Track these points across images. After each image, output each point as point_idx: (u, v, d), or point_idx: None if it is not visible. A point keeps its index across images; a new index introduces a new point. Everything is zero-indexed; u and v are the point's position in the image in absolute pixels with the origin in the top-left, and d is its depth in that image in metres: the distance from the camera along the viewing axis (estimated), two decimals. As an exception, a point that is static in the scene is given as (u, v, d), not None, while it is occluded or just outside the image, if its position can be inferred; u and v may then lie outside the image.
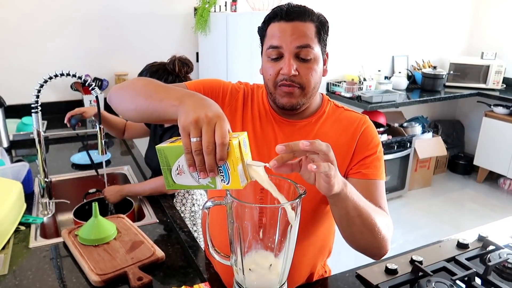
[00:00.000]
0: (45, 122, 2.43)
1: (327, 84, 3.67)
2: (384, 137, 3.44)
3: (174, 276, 1.06)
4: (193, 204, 1.72)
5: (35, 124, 1.36)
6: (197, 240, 1.66)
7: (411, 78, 3.99)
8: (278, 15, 0.96)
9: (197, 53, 3.07)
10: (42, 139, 1.39)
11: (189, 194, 1.71)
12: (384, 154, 3.57)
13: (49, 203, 1.44)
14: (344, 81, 3.61)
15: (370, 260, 1.05)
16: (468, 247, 1.16)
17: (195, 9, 2.90)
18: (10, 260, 1.10)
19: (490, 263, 1.02)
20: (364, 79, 3.61)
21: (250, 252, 0.77)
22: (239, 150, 0.66)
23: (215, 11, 2.82)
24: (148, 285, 0.99)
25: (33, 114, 1.35)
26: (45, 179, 1.42)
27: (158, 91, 0.81)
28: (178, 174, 0.71)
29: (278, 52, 0.96)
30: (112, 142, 2.24)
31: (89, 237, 1.13)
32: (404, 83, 3.83)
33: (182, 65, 1.59)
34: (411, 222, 3.33)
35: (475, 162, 4.02)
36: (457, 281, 0.97)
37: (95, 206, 1.17)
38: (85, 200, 1.57)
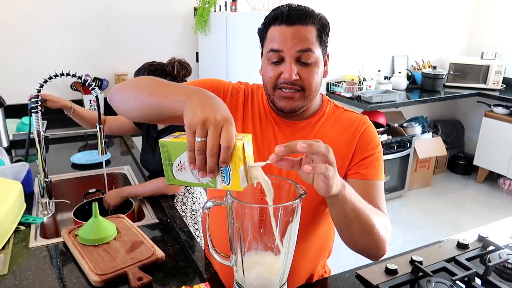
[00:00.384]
0: (45, 122, 2.43)
1: (327, 84, 3.67)
2: (384, 137, 3.44)
3: (174, 276, 1.06)
4: (194, 203, 1.72)
5: (35, 123, 1.36)
6: (198, 240, 1.67)
7: (411, 78, 3.99)
8: (278, 18, 0.94)
9: (197, 53, 3.07)
10: (42, 139, 1.39)
11: (189, 193, 1.71)
12: (384, 154, 3.57)
13: (49, 203, 1.44)
14: (344, 81, 3.61)
15: (370, 260, 1.05)
16: (468, 247, 1.16)
17: (195, 9, 2.90)
18: (10, 260, 1.10)
19: (490, 264, 1.02)
20: (364, 79, 3.61)
21: (250, 252, 0.77)
22: (243, 152, 0.66)
23: (215, 11, 2.83)
24: (148, 285, 0.99)
25: (33, 114, 1.35)
26: (45, 179, 1.42)
27: (163, 88, 0.80)
28: (179, 170, 0.71)
29: (279, 56, 0.95)
30: (112, 142, 2.24)
31: (89, 237, 1.13)
32: (404, 83, 3.83)
33: (181, 68, 1.58)
34: (411, 222, 3.33)
35: (475, 162, 4.02)
36: (457, 282, 0.97)
37: (95, 206, 1.17)
38: (85, 200, 1.57)
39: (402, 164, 3.59)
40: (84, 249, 1.11)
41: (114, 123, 1.79)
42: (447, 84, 3.99)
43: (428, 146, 3.78)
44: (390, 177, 3.57)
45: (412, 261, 1.07)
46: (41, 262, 1.10)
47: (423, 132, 3.83)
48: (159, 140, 0.71)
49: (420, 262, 1.05)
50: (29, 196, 1.47)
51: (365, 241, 0.90)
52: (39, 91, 1.33)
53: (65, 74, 1.31)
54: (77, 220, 1.39)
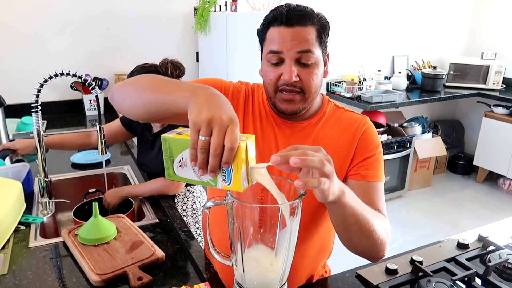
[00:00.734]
0: (45, 121, 2.43)
1: (327, 84, 3.68)
2: (384, 137, 3.44)
3: (174, 276, 1.06)
4: (194, 202, 1.72)
5: (35, 123, 1.36)
6: (199, 239, 1.67)
7: (411, 78, 3.99)
8: (278, 19, 0.94)
9: (197, 53, 3.07)
10: (42, 139, 1.39)
11: (190, 193, 1.71)
12: (384, 154, 3.56)
13: (49, 202, 1.44)
14: (344, 81, 3.61)
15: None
16: (468, 247, 1.16)
17: (195, 9, 2.90)
18: (10, 260, 1.10)
19: (490, 264, 1.02)
20: (364, 79, 3.61)
21: (250, 251, 0.77)
22: (246, 153, 0.66)
23: (215, 11, 2.82)
24: (148, 285, 0.99)
25: (33, 114, 1.35)
26: (45, 179, 1.42)
27: (167, 85, 0.79)
28: (180, 166, 0.71)
29: (279, 57, 0.95)
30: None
31: (89, 236, 1.13)
32: (404, 83, 3.83)
33: (174, 69, 1.57)
34: (410, 222, 3.33)
35: (475, 162, 4.02)
36: (457, 282, 0.97)
37: (95, 206, 1.17)
38: (85, 200, 1.56)
39: (402, 164, 3.59)
40: (84, 249, 1.11)
41: (105, 134, 1.76)
42: (447, 84, 3.99)
43: (428, 146, 3.78)
44: (390, 177, 3.57)
45: (412, 261, 1.07)
46: (41, 261, 1.10)
47: (423, 132, 3.83)
48: (162, 135, 0.71)
49: (420, 262, 1.05)
50: (29, 196, 1.47)
51: (364, 244, 0.90)
52: (39, 90, 1.33)
53: (65, 74, 1.31)
54: (77, 220, 1.39)
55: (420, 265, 1.03)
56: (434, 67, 3.92)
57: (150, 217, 1.39)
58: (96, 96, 1.40)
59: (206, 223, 0.81)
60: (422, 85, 3.90)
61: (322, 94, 1.11)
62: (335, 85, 3.63)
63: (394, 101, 3.39)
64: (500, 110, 3.73)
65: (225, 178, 0.67)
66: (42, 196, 1.43)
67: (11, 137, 2.12)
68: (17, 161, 1.65)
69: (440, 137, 3.96)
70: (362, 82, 3.57)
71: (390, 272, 1.03)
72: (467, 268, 1.05)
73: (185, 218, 1.68)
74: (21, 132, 2.19)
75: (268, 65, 0.98)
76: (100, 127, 1.40)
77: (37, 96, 1.32)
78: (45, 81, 1.31)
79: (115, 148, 2.16)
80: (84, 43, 2.70)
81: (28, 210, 1.39)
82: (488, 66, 3.87)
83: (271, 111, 1.06)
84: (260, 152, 1.03)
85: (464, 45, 4.41)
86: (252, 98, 1.09)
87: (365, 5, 3.64)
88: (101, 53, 2.78)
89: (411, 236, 3.12)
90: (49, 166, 1.47)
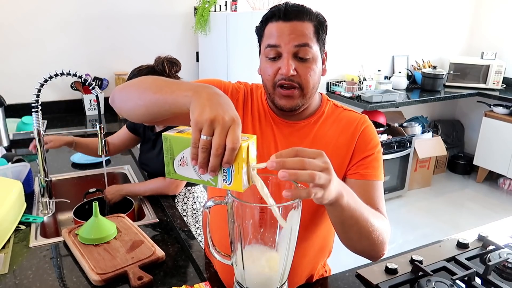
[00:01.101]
0: (45, 121, 2.43)
1: (327, 83, 3.68)
2: (384, 137, 3.44)
3: (174, 275, 1.06)
4: (195, 202, 1.72)
5: (35, 123, 1.36)
6: (199, 239, 1.67)
7: (411, 78, 3.99)
8: (276, 14, 0.95)
9: (197, 53, 3.07)
10: (42, 139, 1.39)
11: (190, 193, 1.71)
12: (384, 154, 3.56)
13: (49, 202, 1.44)
14: (344, 81, 3.61)
15: (370, 260, 1.05)
16: (468, 247, 1.16)
17: (195, 9, 2.90)
18: (10, 259, 1.10)
19: (490, 263, 1.02)
20: (364, 79, 3.61)
21: (250, 251, 0.77)
22: (247, 153, 0.66)
23: (215, 11, 2.83)
24: (149, 285, 1.00)
25: (33, 114, 1.35)
26: (45, 179, 1.42)
27: (169, 85, 0.79)
28: (180, 165, 0.71)
29: (276, 51, 0.95)
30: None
31: (89, 236, 1.13)
32: (404, 83, 3.83)
33: (171, 65, 1.55)
34: (410, 222, 3.34)
35: (475, 162, 4.02)
36: (457, 281, 0.97)
37: (95, 205, 1.17)
38: (85, 200, 1.56)
39: (402, 164, 3.59)
40: (85, 249, 1.11)
41: (115, 139, 1.75)
42: (447, 84, 3.99)
43: (428, 146, 3.78)
44: (390, 177, 3.57)
45: (412, 261, 1.07)
46: (42, 261, 1.10)
47: (423, 132, 3.83)
48: (163, 133, 0.71)
49: (420, 262, 1.05)
50: (29, 196, 1.48)
51: (363, 244, 0.91)
52: (39, 90, 1.33)
53: (65, 74, 1.31)
54: (78, 220, 1.39)
55: (420, 265, 1.03)
56: (434, 67, 3.92)
57: (150, 217, 1.39)
58: (96, 96, 1.40)
59: (206, 222, 0.81)
60: (422, 85, 3.90)
61: (320, 93, 1.11)
62: (335, 84, 3.63)
63: (394, 101, 3.39)
64: (500, 110, 3.74)
65: (226, 177, 0.67)
66: (43, 195, 1.43)
67: (11, 137, 2.12)
68: (18, 160, 1.66)
69: (440, 136, 3.96)
70: (362, 82, 3.57)
71: (390, 271, 1.03)
72: (467, 268, 1.05)
73: (185, 218, 1.68)
74: (22, 132, 2.19)
75: (266, 61, 0.98)
76: (100, 127, 1.40)
77: (38, 96, 1.33)
78: (45, 81, 1.31)
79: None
80: (84, 43, 2.71)
81: (29, 210, 1.39)
82: (488, 66, 3.87)
83: (270, 111, 1.07)
84: (259, 152, 1.02)
85: (464, 44, 4.41)
86: (251, 98, 1.09)
87: (365, 5, 3.64)
88: (101, 53, 2.78)
89: (411, 236, 3.13)
90: (49, 166, 1.47)
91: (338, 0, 3.48)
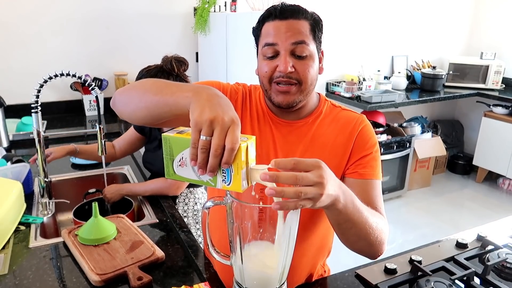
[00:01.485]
0: (45, 122, 2.43)
1: (327, 84, 3.68)
2: (384, 137, 3.44)
3: (174, 276, 1.06)
4: (196, 203, 1.72)
5: (35, 124, 1.36)
6: (200, 240, 1.67)
7: (410, 78, 3.99)
8: (272, 14, 0.97)
9: (197, 53, 3.07)
10: (42, 139, 1.39)
11: (191, 194, 1.71)
12: (384, 154, 3.56)
13: (49, 203, 1.44)
14: (344, 81, 3.62)
15: (370, 260, 1.05)
16: (467, 247, 1.16)
17: (195, 9, 2.91)
18: (10, 260, 1.10)
19: (489, 263, 1.02)
20: (364, 79, 3.61)
21: (249, 251, 0.77)
22: (246, 154, 0.66)
23: (214, 11, 2.83)
24: (148, 285, 1.00)
25: (33, 114, 1.35)
26: (45, 179, 1.42)
27: (169, 86, 0.80)
28: (180, 165, 0.71)
29: (274, 50, 0.96)
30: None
31: (89, 237, 1.14)
32: (404, 83, 3.84)
33: (180, 64, 1.56)
34: (410, 222, 3.34)
35: (475, 162, 4.02)
36: (456, 281, 0.97)
37: (95, 206, 1.18)
38: (85, 200, 1.57)
39: (402, 164, 3.60)
40: (84, 249, 1.11)
41: (121, 142, 1.75)
42: (446, 84, 4.00)
43: (428, 146, 3.78)
44: (390, 177, 3.58)
45: (411, 261, 1.07)
46: (41, 262, 1.10)
47: (422, 132, 3.83)
48: (162, 134, 0.71)
49: (419, 262, 1.05)
50: (29, 196, 1.48)
51: (361, 245, 0.92)
52: (39, 91, 1.33)
53: (65, 74, 1.31)
54: (77, 220, 1.39)
55: (419, 265, 1.03)
56: (434, 67, 3.92)
57: (150, 217, 1.39)
58: (96, 97, 1.40)
59: (206, 223, 0.81)
60: (422, 85, 3.90)
61: (318, 93, 1.12)
62: (335, 85, 3.63)
63: (393, 101, 3.40)
64: (499, 110, 3.74)
65: (225, 178, 0.68)
66: (42, 196, 1.43)
67: (11, 138, 2.12)
68: (17, 161, 1.66)
69: (439, 137, 3.96)
70: (362, 82, 3.57)
71: (389, 271, 1.03)
72: (466, 268, 1.05)
73: (186, 219, 1.68)
74: (21, 133, 2.19)
75: (264, 59, 0.99)
76: (100, 128, 1.40)
77: (37, 96, 1.33)
78: (45, 81, 1.31)
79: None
80: (84, 43, 2.71)
81: (28, 211, 1.40)
82: (488, 66, 3.87)
83: (268, 111, 1.07)
84: (258, 152, 1.03)
85: (464, 45, 4.42)
86: (249, 98, 1.10)
87: (364, 5, 3.64)
88: (101, 53, 2.78)
89: (411, 236, 3.13)
90: (49, 167, 1.48)
91: (337, 0, 3.48)
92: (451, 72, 3.99)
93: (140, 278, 0.99)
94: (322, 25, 1.01)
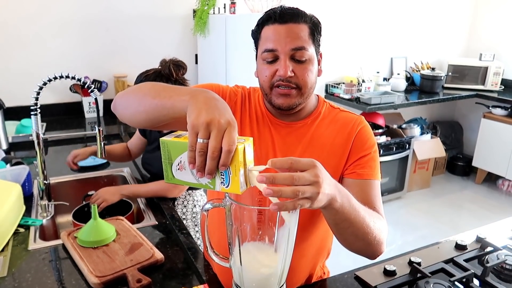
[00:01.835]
0: (44, 124, 2.43)
1: (326, 85, 3.68)
2: (383, 139, 3.45)
3: (173, 278, 1.06)
4: (195, 206, 1.72)
5: (34, 126, 1.36)
6: (198, 242, 1.67)
7: (409, 79, 4.00)
8: (271, 17, 0.97)
9: (196, 55, 3.08)
10: (41, 141, 1.39)
11: (190, 196, 1.71)
12: (383, 155, 3.56)
13: (48, 205, 1.44)
14: (343, 83, 3.62)
15: (369, 262, 1.05)
16: (466, 249, 1.16)
17: (194, 11, 2.91)
18: (9, 262, 1.10)
19: (488, 264, 1.03)
20: (363, 81, 3.62)
21: (248, 253, 0.77)
22: (243, 155, 0.67)
23: (214, 13, 2.83)
24: (147, 287, 1.00)
25: (32, 116, 1.35)
26: (44, 181, 1.42)
27: (167, 90, 0.80)
28: (178, 169, 0.71)
29: (274, 54, 0.97)
30: (111, 144, 2.24)
31: (88, 239, 1.14)
32: (403, 84, 3.84)
33: (178, 68, 1.55)
34: (409, 223, 3.34)
35: (474, 163, 4.02)
36: (456, 283, 0.98)
37: (94, 208, 1.18)
38: (84, 202, 1.57)
39: (401, 165, 3.60)
40: (83, 251, 1.11)
41: (133, 145, 1.80)
42: (445, 85, 4.00)
43: (427, 147, 3.79)
44: (389, 178, 3.58)
45: (410, 262, 1.07)
46: (41, 264, 1.10)
47: (422, 134, 3.83)
48: (160, 138, 0.72)
49: (419, 263, 1.05)
50: (28, 198, 1.47)
51: (359, 245, 0.92)
52: (38, 93, 1.33)
53: (64, 77, 1.31)
54: (76, 222, 1.39)
55: (418, 266, 1.03)
56: (433, 69, 3.93)
57: (149, 219, 1.39)
58: (96, 99, 1.40)
59: (205, 225, 0.82)
60: (421, 87, 3.90)
61: (317, 95, 1.12)
62: (334, 86, 3.63)
63: (393, 103, 3.40)
64: (498, 111, 3.74)
65: (223, 180, 0.68)
66: (42, 198, 1.43)
67: (10, 140, 2.12)
68: (16, 163, 1.66)
69: (439, 138, 3.97)
70: (361, 84, 3.57)
71: (388, 273, 1.03)
72: (465, 269, 1.05)
73: (184, 221, 1.68)
74: (21, 135, 2.19)
75: (264, 63, 0.99)
76: (99, 130, 1.40)
77: (37, 98, 1.33)
78: (45, 83, 1.32)
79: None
80: (84, 45, 2.71)
81: (28, 213, 1.39)
82: (487, 67, 3.88)
83: (267, 113, 1.07)
84: (257, 153, 1.04)
85: (463, 46, 4.42)
86: (248, 100, 1.10)
87: (363, 7, 3.65)
88: (101, 55, 2.78)
89: (411, 237, 3.13)
90: (48, 169, 1.48)
91: (337, 2, 3.49)
92: (450, 73, 4.00)
93: (139, 280, 0.99)
94: (321, 28, 1.01)
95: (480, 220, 3.35)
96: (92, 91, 1.38)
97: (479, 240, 1.20)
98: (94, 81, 2.73)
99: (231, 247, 0.78)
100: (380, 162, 1.09)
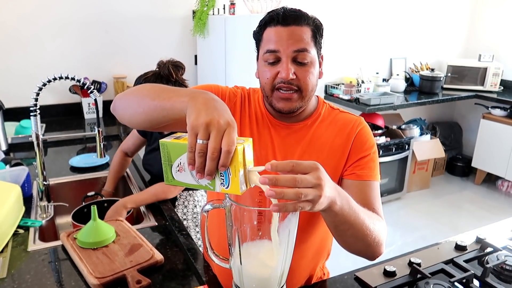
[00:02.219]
0: (44, 125, 2.43)
1: (325, 86, 3.69)
2: (382, 139, 3.45)
3: (173, 279, 1.06)
4: (195, 206, 1.71)
5: (33, 127, 1.36)
6: (199, 243, 1.67)
7: (409, 80, 4.00)
8: (274, 19, 0.96)
9: (195, 56, 3.08)
10: (40, 142, 1.39)
11: (190, 197, 1.71)
12: (382, 156, 3.56)
13: (47, 206, 1.44)
14: (342, 84, 3.62)
15: (369, 263, 1.05)
16: (466, 249, 1.16)
17: (194, 12, 2.91)
18: (8, 264, 1.10)
19: (488, 265, 1.03)
20: (362, 82, 3.62)
21: (248, 254, 0.77)
22: (243, 156, 0.67)
23: (213, 14, 2.83)
24: (147, 288, 1.00)
25: (31, 117, 1.35)
26: (44, 182, 1.42)
27: (166, 91, 0.80)
28: (178, 171, 0.71)
29: (276, 56, 0.96)
30: (111, 145, 2.24)
31: (88, 240, 1.13)
32: (402, 85, 3.84)
33: (177, 69, 1.54)
34: (409, 224, 3.34)
35: (473, 164, 4.03)
36: (455, 283, 0.98)
37: (94, 209, 1.17)
38: (83, 203, 1.56)
39: (401, 166, 3.60)
40: (83, 252, 1.11)
41: (131, 148, 1.79)
42: (445, 86, 4.00)
43: (427, 148, 3.79)
44: (389, 179, 3.58)
45: (410, 263, 1.07)
46: (40, 265, 1.10)
47: (421, 134, 3.84)
48: (160, 140, 0.72)
49: (418, 264, 1.05)
50: (27, 200, 1.47)
51: (359, 246, 0.92)
52: (38, 94, 1.33)
53: (64, 77, 1.31)
54: (76, 223, 1.39)
55: (418, 267, 1.03)
56: (432, 69, 3.93)
57: (149, 220, 1.39)
58: (95, 100, 1.40)
59: (205, 226, 0.82)
60: (420, 87, 3.91)
61: (317, 96, 1.12)
62: (334, 87, 3.64)
63: (392, 103, 3.40)
64: (498, 112, 3.75)
65: (223, 181, 0.68)
66: (41, 199, 1.43)
67: (9, 141, 2.12)
68: (16, 164, 1.66)
69: (438, 139, 3.97)
70: (361, 85, 3.57)
71: (388, 274, 1.03)
72: (465, 270, 1.05)
73: (185, 222, 1.67)
74: (20, 136, 2.19)
75: (265, 65, 0.99)
76: (98, 131, 1.40)
77: (36, 99, 1.33)
78: (44, 84, 1.32)
79: (113, 151, 2.16)
80: (83, 46, 2.71)
81: (27, 214, 1.39)
82: (486, 68, 3.88)
83: (267, 113, 1.07)
84: (257, 154, 1.04)
85: (462, 47, 4.43)
86: (248, 101, 1.10)
87: (363, 7, 3.65)
88: (100, 56, 2.78)
89: (410, 238, 3.13)
90: (47, 170, 1.47)
91: (336, 3, 3.50)
92: (449, 74, 4.00)
93: (139, 282, 0.99)
94: (323, 30, 1.01)
95: (480, 220, 3.35)
96: (91, 92, 1.38)
97: (479, 240, 1.20)
98: (94, 82, 2.73)
99: (231, 248, 0.78)
100: (380, 163, 1.09)
